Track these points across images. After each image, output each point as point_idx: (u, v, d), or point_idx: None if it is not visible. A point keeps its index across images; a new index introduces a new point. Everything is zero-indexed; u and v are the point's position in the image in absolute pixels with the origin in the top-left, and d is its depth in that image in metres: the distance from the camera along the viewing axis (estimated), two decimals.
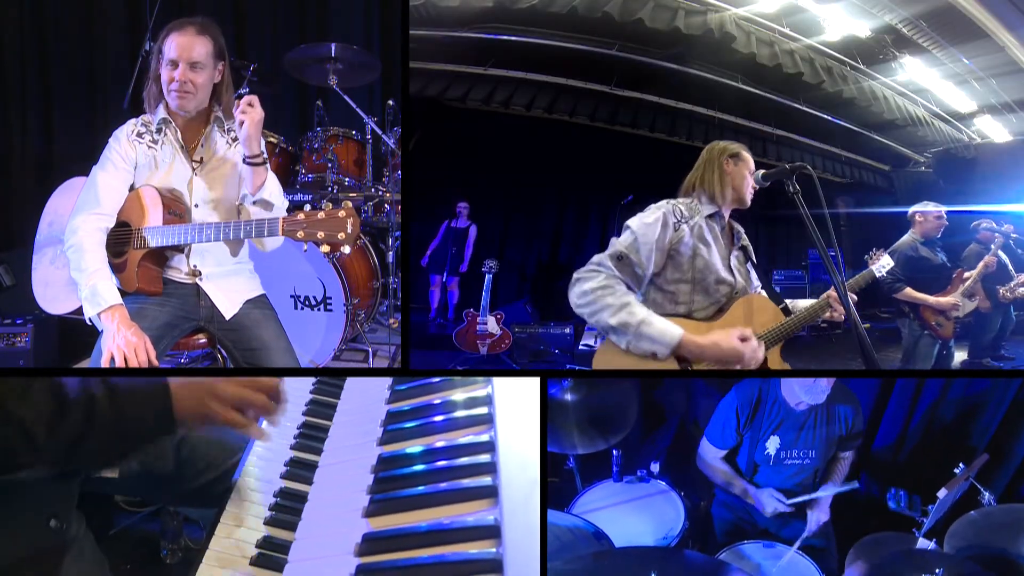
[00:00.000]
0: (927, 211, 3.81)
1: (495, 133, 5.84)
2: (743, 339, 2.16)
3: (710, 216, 2.36)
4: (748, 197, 2.41)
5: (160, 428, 1.39)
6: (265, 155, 2.34)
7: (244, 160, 2.32)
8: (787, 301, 2.42)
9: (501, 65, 5.66)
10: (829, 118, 6.01)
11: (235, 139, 2.40)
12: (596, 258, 2.21)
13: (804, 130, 6.03)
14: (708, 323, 2.28)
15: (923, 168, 6.26)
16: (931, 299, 3.70)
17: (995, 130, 5.87)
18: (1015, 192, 5.06)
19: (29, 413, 1.28)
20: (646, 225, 2.24)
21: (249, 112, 2.25)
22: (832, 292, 2.31)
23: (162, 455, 1.62)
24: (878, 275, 2.72)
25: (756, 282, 2.49)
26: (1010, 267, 4.16)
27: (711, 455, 2.52)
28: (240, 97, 3.89)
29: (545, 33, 5.58)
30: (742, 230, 2.50)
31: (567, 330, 4.98)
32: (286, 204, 2.44)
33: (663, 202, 2.34)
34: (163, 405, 1.38)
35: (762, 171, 2.39)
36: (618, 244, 2.23)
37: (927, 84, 5.92)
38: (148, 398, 1.37)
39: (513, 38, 5.56)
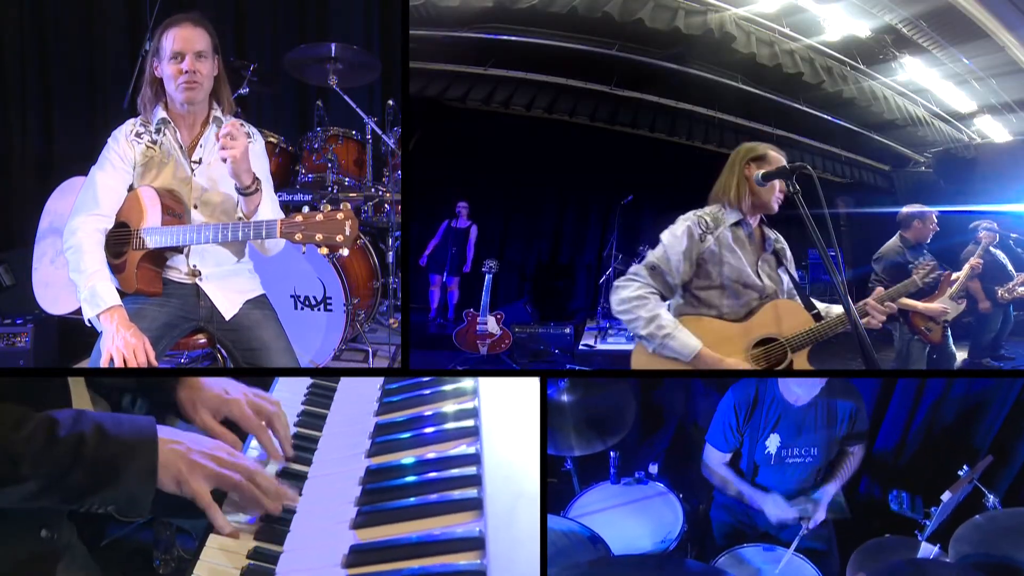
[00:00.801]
0: (922, 213, 3.78)
1: (495, 133, 5.82)
2: None
3: (736, 224, 2.44)
4: (773, 202, 2.44)
5: (141, 479, 1.36)
6: (259, 183, 2.31)
7: (237, 190, 2.30)
8: (820, 306, 2.44)
9: (501, 65, 5.65)
10: (829, 118, 6.00)
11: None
12: (633, 268, 2.43)
13: (804, 130, 6.01)
14: (738, 324, 2.40)
15: (923, 168, 6.24)
16: (920, 305, 3.66)
17: (995, 130, 5.85)
18: (1015, 192, 5.04)
19: (19, 442, 1.28)
20: (675, 238, 2.40)
21: (231, 147, 2.18)
22: (869, 299, 2.38)
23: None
24: (921, 285, 2.72)
25: (788, 285, 2.53)
26: (1009, 267, 4.15)
27: (715, 460, 2.51)
28: (239, 97, 3.88)
29: (545, 33, 5.57)
30: (776, 235, 2.55)
31: (567, 330, 4.99)
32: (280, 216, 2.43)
33: (690, 213, 2.46)
34: (149, 455, 1.36)
35: (762, 171, 2.40)
36: (651, 256, 2.42)
37: (927, 84, 5.90)
38: (134, 447, 1.36)
39: (513, 38, 5.54)
